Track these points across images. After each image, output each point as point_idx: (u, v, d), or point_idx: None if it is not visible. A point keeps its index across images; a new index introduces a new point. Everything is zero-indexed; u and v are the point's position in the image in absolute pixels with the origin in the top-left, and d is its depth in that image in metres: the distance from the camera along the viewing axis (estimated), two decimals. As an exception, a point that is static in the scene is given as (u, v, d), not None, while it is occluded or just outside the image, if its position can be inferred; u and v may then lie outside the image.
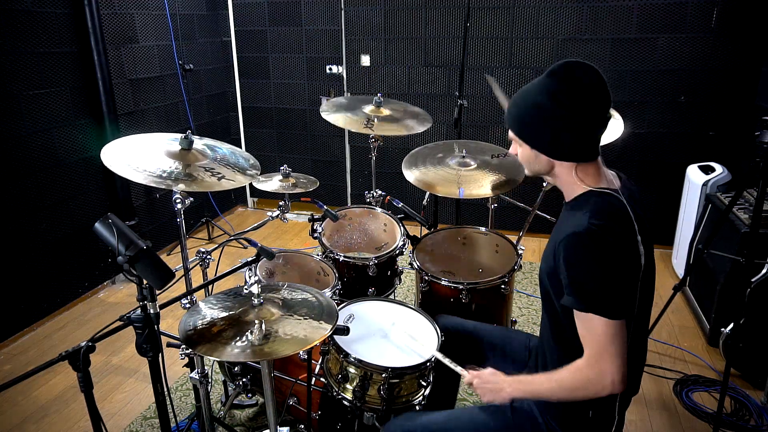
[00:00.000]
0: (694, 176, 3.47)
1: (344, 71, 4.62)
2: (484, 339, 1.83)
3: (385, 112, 2.87)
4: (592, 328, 1.27)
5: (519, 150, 1.45)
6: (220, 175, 1.96)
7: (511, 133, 1.44)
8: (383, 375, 1.72)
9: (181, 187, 1.85)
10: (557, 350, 1.46)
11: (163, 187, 1.84)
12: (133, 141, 2.05)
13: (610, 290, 1.26)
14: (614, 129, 2.48)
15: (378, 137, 2.92)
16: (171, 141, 2.08)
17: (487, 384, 1.50)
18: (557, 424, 1.45)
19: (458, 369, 1.62)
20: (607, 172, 1.42)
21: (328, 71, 4.67)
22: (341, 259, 2.47)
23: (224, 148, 2.21)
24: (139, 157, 1.93)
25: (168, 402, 1.52)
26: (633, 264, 1.30)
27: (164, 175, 1.87)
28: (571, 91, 1.29)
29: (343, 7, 4.47)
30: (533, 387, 1.43)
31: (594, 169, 1.38)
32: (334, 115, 2.80)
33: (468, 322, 1.92)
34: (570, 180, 1.40)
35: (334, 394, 1.83)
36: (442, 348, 1.79)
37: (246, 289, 1.64)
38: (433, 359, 1.75)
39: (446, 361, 1.68)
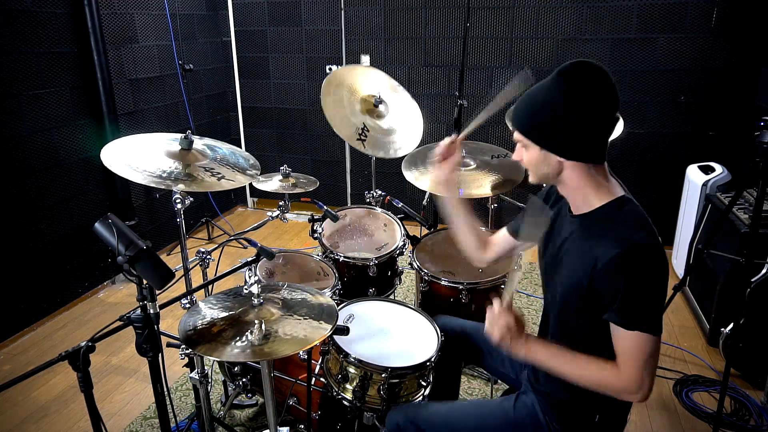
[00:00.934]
0: (694, 176, 3.47)
1: (344, 71, 4.62)
2: (484, 339, 1.82)
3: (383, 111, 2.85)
4: (635, 345, 1.26)
5: (525, 154, 1.40)
6: (219, 175, 1.96)
7: (517, 135, 1.38)
8: (383, 375, 1.72)
9: (181, 187, 1.86)
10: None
11: (163, 187, 1.84)
12: (133, 141, 2.05)
13: (657, 306, 1.26)
14: (614, 129, 2.48)
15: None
16: (171, 141, 2.08)
17: (508, 331, 1.40)
18: (560, 426, 1.45)
19: (507, 294, 1.47)
20: (613, 178, 1.39)
21: (328, 71, 4.67)
22: (341, 259, 2.47)
23: (224, 148, 2.21)
24: (138, 157, 1.93)
25: (168, 402, 1.52)
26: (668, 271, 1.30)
27: (164, 175, 1.87)
28: (584, 91, 1.27)
29: (343, 7, 4.47)
30: (551, 361, 1.38)
31: (604, 173, 1.36)
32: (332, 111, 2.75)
33: (468, 322, 1.92)
34: (580, 185, 1.35)
35: (334, 394, 1.83)
36: (442, 349, 1.79)
37: (246, 289, 1.64)
38: (435, 358, 1.75)
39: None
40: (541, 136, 1.34)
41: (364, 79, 2.84)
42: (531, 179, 1.45)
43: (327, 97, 2.67)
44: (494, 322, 1.41)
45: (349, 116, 2.70)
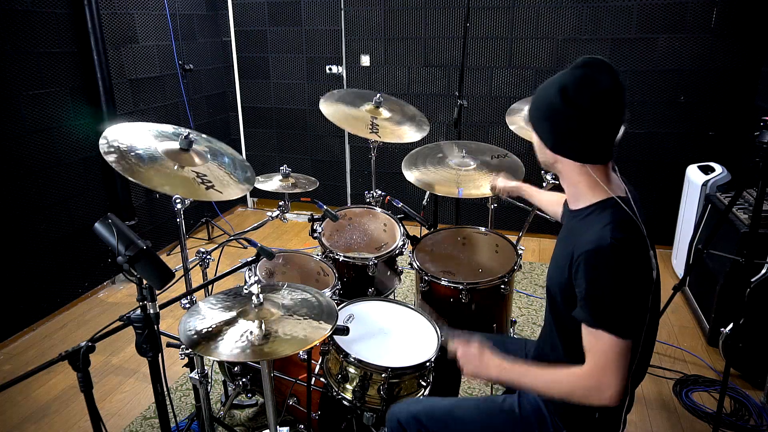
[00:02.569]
0: (694, 176, 3.47)
1: (344, 71, 4.62)
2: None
3: (384, 113, 2.85)
4: (600, 344, 1.25)
5: (533, 137, 1.43)
6: (209, 184, 1.86)
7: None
8: (383, 375, 1.72)
9: (167, 189, 1.77)
10: (562, 353, 1.45)
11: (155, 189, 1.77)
12: (137, 128, 1.98)
13: (625, 309, 1.24)
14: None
15: (378, 137, 2.92)
16: (172, 137, 2.01)
17: (471, 359, 1.45)
18: (562, 423, 1.45)
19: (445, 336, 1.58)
20: (616, 179, 1.39)
21: (328, 71, 4.67)
22: (341, 259, 2.47)
23: (226, 156, 2.14)
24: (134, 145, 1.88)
25: (168, 402, 1.52)
26: (647, 278, 1.28)
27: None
28: (582, 92, 1.26)
29: (343, 7, 4.47)
30: (522, 379, 1.40)
31: (603, 173, 1.35)
32: (336, 113, 2.78)
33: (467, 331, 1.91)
34: (573, 180, 1.37)
35: (334, 394, 1.83)
36: (442, 355, 1.79)
37: (246, 289, 1.64)
38: (435, 358, 1.75)
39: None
40: (536, 124, 1.39)
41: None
42: (542, 165, 1.48)
43: (329, 107, 2.73)
44: (460, 361, 1.46)
45: (354, 116, 2.73)
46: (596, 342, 1.26)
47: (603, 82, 1.27)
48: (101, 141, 1.82)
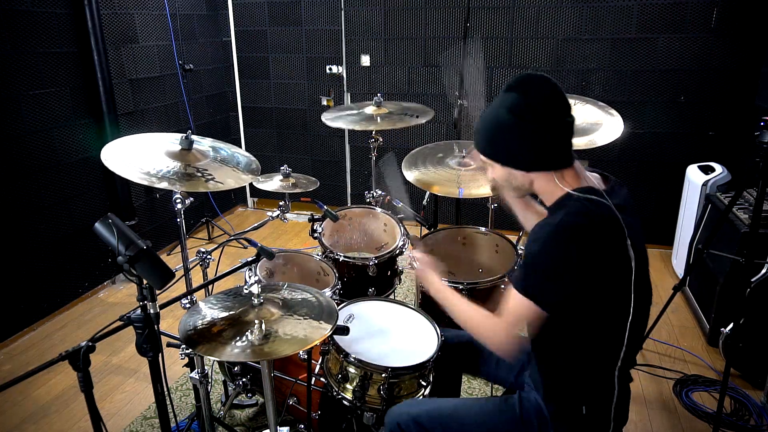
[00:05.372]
0: (694, 176, 3.47)
1: (344, 71, 4.63)
2: (481, 347, 1.82)
3: (386, 110, 2.87)
4: (513, 303, 1.35)
5: (492, 173, 1.44)
6: (210, 177, 1.92)
7: (481, 157, 1.44)
8: (383, 375, 1.72)
9: (164, 185, 1.81)
10: (534, 355, 1.50)
11: (148, 184, 1.80)
12: (138, 139, 2.03)
13: (546, 279, 1.29)
14: (614, 129, 2.47)
15: (378, 137, 2.92)
16: (172, 141, 2.06)
17: (420, 270, 1.68)
18: (553, 422, 1.46)
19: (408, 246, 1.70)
20: (589, 176, 1.40)
21: (328, 71, 4.67)
22: (341, 259, 2.47)
23: (226, 149, 2.18)
24: (136, 154, 1.91)
25: (168, 402, 1.52)
26: (610, 266, 1.29)
27: (152, 172, 1.84)
28: (529, 103, 1.31)
29: (343, 7, 4.47)
30: (449, 304, 1.56)
31: (572, 174, 1.37)
32: (336, 122, 2.84)
33: (465, 332, 1.91)
34: (550, 189, 1.38)
35: (334, 394, 1.83)
36: (442, 356, 1.79)
37: (246, 289, 1.64)
38: (435, 358, 1.75)
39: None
40: (499, 154, 1.40)
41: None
42: (514, 194, 1.50)
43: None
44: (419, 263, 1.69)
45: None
46: (512, 302, 1.35)
47: (543, 88, 1.32)
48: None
